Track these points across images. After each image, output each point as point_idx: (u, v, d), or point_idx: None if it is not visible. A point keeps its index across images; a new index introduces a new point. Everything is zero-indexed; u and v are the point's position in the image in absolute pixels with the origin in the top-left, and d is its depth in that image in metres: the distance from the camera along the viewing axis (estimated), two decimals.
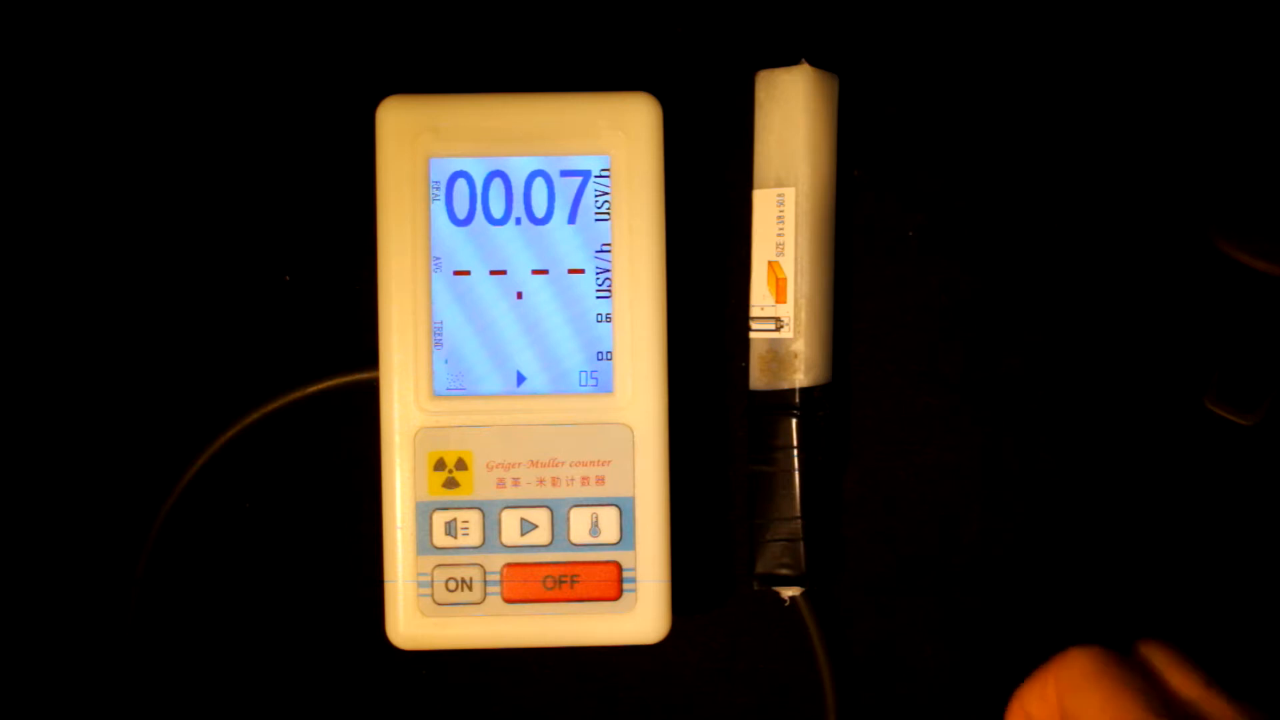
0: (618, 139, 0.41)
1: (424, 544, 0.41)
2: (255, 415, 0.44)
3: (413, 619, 0.41)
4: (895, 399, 0.44)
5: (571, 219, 0.41)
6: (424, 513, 0.41)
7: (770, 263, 0.42)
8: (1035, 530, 0.45)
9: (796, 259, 0.42)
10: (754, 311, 0.43)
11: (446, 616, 0.41)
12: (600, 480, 0.41)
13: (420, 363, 0.41)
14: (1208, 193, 0.45)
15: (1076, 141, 0.45)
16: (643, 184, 0.41)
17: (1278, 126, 0.44)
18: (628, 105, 0.41)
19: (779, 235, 0.42)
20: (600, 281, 0.41)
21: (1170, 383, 0.45)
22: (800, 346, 0.42)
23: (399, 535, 0.41)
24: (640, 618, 0.41)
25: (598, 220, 0.41)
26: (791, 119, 0.42)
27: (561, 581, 0.41)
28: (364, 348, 0.44)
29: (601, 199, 0.41)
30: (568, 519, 0.41)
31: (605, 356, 0.41)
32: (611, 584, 0.41)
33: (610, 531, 0.41)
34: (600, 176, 0.41)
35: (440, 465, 0.41)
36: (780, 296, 0.42)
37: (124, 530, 0.44)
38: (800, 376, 0.42)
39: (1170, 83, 0.45)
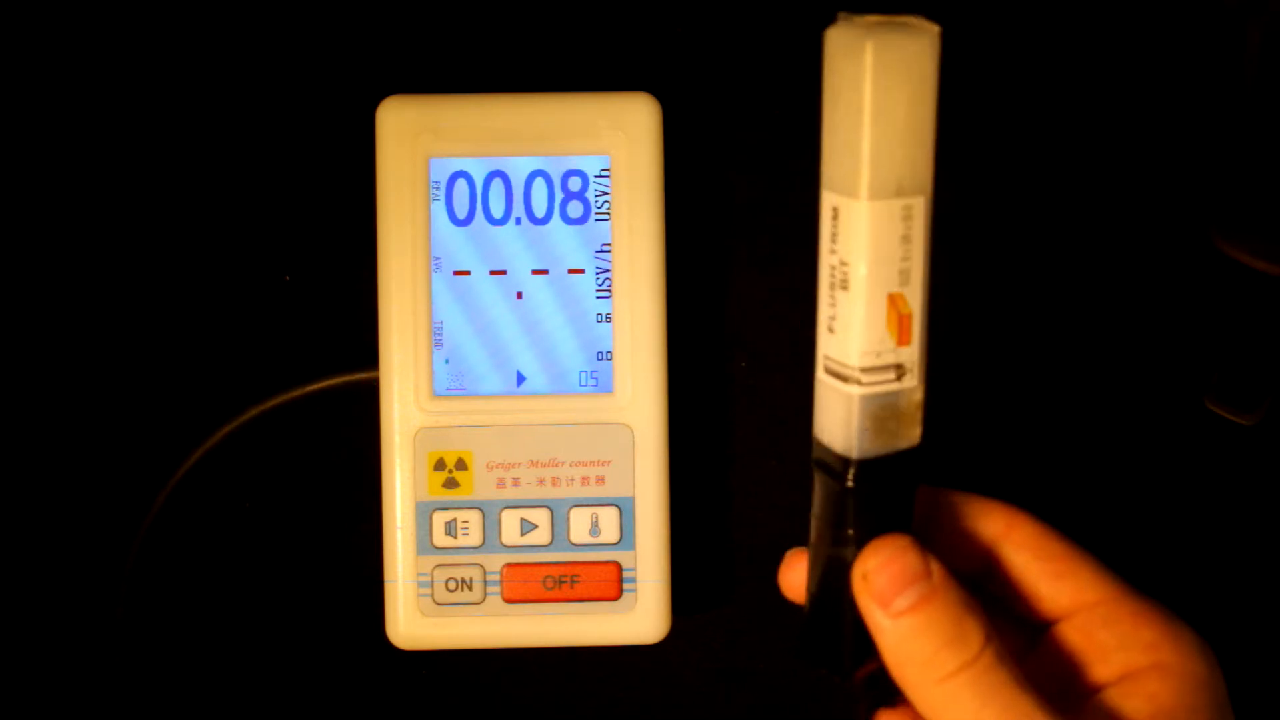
0: (618, 139, 0.41)
1: (424, 544, 0.41)
2: (253, 412, 0.44)
3: (413, 619, 0.41)
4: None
5: (571, 219, 0.41)
6: (424, 513, 0.41)
7: (892, 295, 0.31)
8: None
9: (925, 289, 0.32)
10: (865, 361, 0.31)
11: (446, 616, 0.41)
12: (600, 480, 0.41)
13: (420, 363, 0.41)
14: (1208, 193, 0.45)
15: (1077, 142, 0.45)
16: (643, 184, 0.41)
17: (1278, 126, 0.44)
18: (628, 105, 0.41)
19: (904, 260, 0.31)
20: (600, 281, 0.41)
21: (1170, 383, 0.45)
22: (922, 394, 0.33)
23: (399, 535, 0.41)
24: (640, 618, 0.41)
25: (598, 220, 0.41)
26: (920, 103, 0.30)
27: (561, 581, 0.41)
28: (364, 348, 0.44)
29: (601, 199, 0.41)
30: (568, 519, 0.41)
31: (605, 356, 0.41)
32: (611, 584, 0.41)
33: (610, 531, 0.41)
34: (600, 176, 0.41)
35: (440, 465, 0.41)
36: (904, 338, 0.32)
37: (124, 530, 0.44)
38: (918, 431, 0.33)
39: (1171, 83, 0.45)
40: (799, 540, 0.44)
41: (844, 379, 0.32)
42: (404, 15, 0.45)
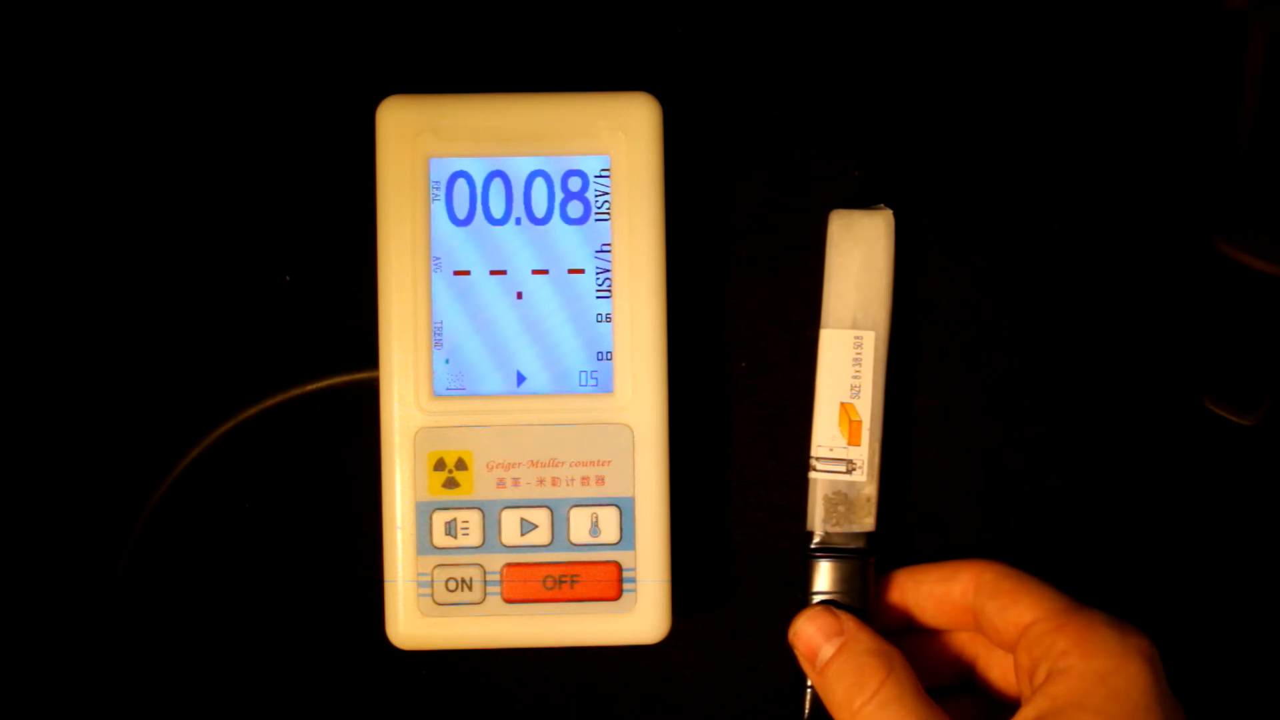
0: (618, 139, 0.41)
1: (424, 544, 0.41)
2: (253, 412, 0.44)
3: (413, 619, 0.41)
4: (895, 399, 0.44)
5: (571, 219, 0.41)
6: (424, 513, 0.41)
7: (843, 404, 0.41)
8: (1035, 530, 0.45)
9: (873, 402, 0.41)
10: (819, 452, 0.42)
11: (446, 616, 0.41)
12: (600, 480, 0.41)
13: (420, 363, 0.41)
14: (1208, 193, 0.45)
15: (1077, 142, 0.45)
16: (643, 184, 0.41)
17: (1278, 127, 0.44)
18: (628, 105, 0.41)
19: (854, 378, 0.41)
20: (600, 281, 0.41)
21: (1170, 383, 0.45)
22: (873, 490, 0.41)
23: (399, 535, 0.41)
24: (640, 618, 0.41)
25: (598, 220, 0.41)
26: (873, 263, 0.42)
27: (561, 581, 0.41)
28: (364, 348, 0.44)
29: (601, 199, 0.41)
30: (568, 519, 0.41)
31: (605, 356, 0.41)
32: (611, 584, 0.41)
33: (610, 531, 0.41)
34: (600, 176, 0.41)
35: (440, 465, 0.41)
36: (854, 439, 0.41)
37: (122, 529, 0.44)
38: (871, 520, 0.41)
39: (1171, 85, 0.45)
40: (799, 541, 0.44)
41: (809, 468, 0.42)
42: (404, 15, 0.45)
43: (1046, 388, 0.45)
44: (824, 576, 0.41)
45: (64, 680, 0.45)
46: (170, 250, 0.45)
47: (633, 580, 0.41)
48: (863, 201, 0.44)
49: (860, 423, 0.41)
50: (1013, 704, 0.40)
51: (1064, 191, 0.45)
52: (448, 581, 0.41)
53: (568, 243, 0.41)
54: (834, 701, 0.39)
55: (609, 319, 0.41)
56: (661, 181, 0.41)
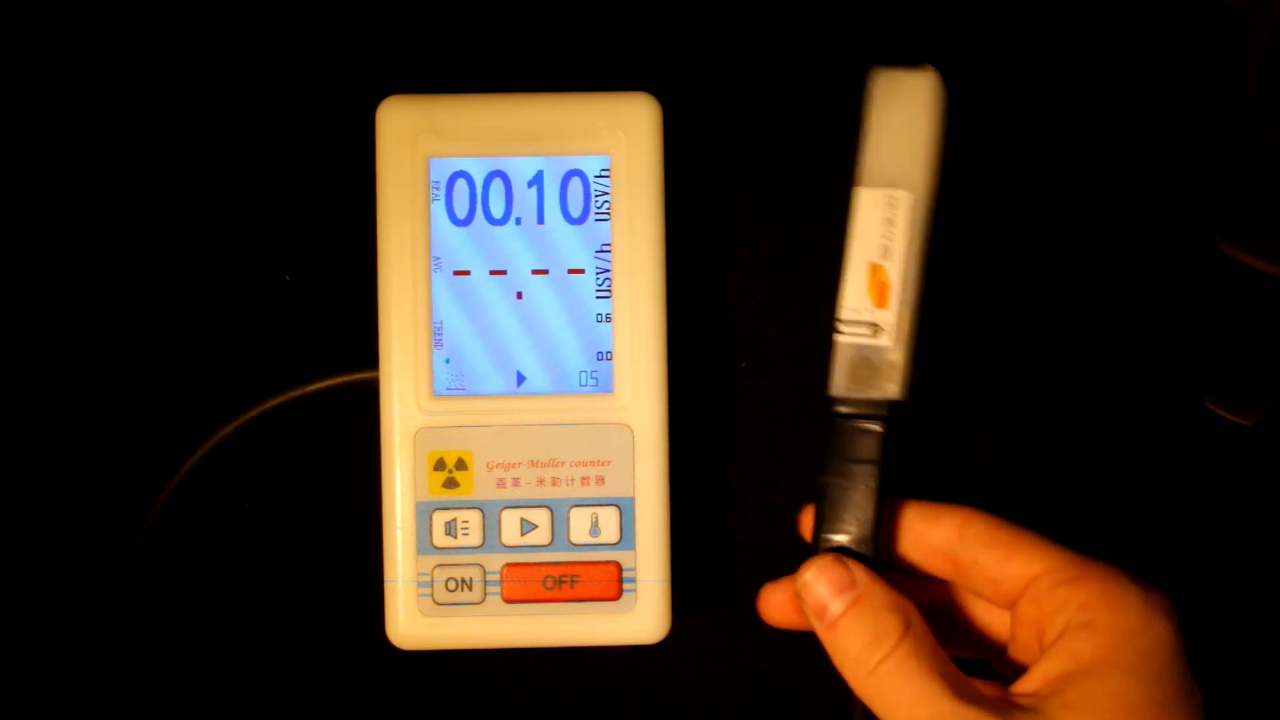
0: (618, 139, 0.41)
1: (424, 544, 0.41)
2: (253, 412, 0.44)
3: (413, 619, 0.41)
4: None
5: (571, 219, 0.41)
6: (424, 513, 0.41)
7: (873, 265, 0.39)
8: (1036, 530, 0.45)
9: (905, 265, 0.39)
10: (846, 314, 0.40)
11: (446, 616, 0.41)
12: (600, 480, 0.41)
13: (420, 363, 0.41)
14: (1208, 193, 0.45)
15: (1077, 142, 0.45)
16: (643, 184, 0.41)
17: (1278, 127, 0.44)
18: (628, 105, 0.41)
19: (886, 239, 0.39)
20: (600, 281, 0.41)
21: (1170, 383, 0.45)
22: (897, 357, 0.39)
23: (399, 535, 0.41)
24: (640, 618, 0.41)
25: (598, 220, 0.41)
26: (914, 123, 0.40)
27: (561, 581, 0.41)
28: (364, 348, 0.44)
29: (601, 199, 0.41)
30: (568, 519, 0.41)
31: (605, 356, 0.41)
32: (611, 584, 0.41)
33: (610, 531, 0.41)
34: (600, 176, 0.41)
35: (440, 465, 0.41)
36: (881, 302, 0.39)
37: (125, 530, 0.44)
38: (894, 388, 0.39)
39: (1171, 84, 0.45)
40: (799, 540, 0.44)
41: (835, 330, 0.40)
42: (404, 15, 0.45)
43: (1047, 388, 0.45)
44: (841, 439, 0.39)
45: (68, 679, 0.45)
46: (171, 250, 0.45)
47: (633, 580, 0.41)
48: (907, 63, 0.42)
49: (889, 285, 0.39)
50: (982, 652, 0.39)
51: (1064, 191, 0.45)
52: (448, 581, 0.41)
53: (568, 243, 0.41)
54: (847, 659, 0.36)
55: (609, 319, 0.41)
56: (661, 181, 0.41)
